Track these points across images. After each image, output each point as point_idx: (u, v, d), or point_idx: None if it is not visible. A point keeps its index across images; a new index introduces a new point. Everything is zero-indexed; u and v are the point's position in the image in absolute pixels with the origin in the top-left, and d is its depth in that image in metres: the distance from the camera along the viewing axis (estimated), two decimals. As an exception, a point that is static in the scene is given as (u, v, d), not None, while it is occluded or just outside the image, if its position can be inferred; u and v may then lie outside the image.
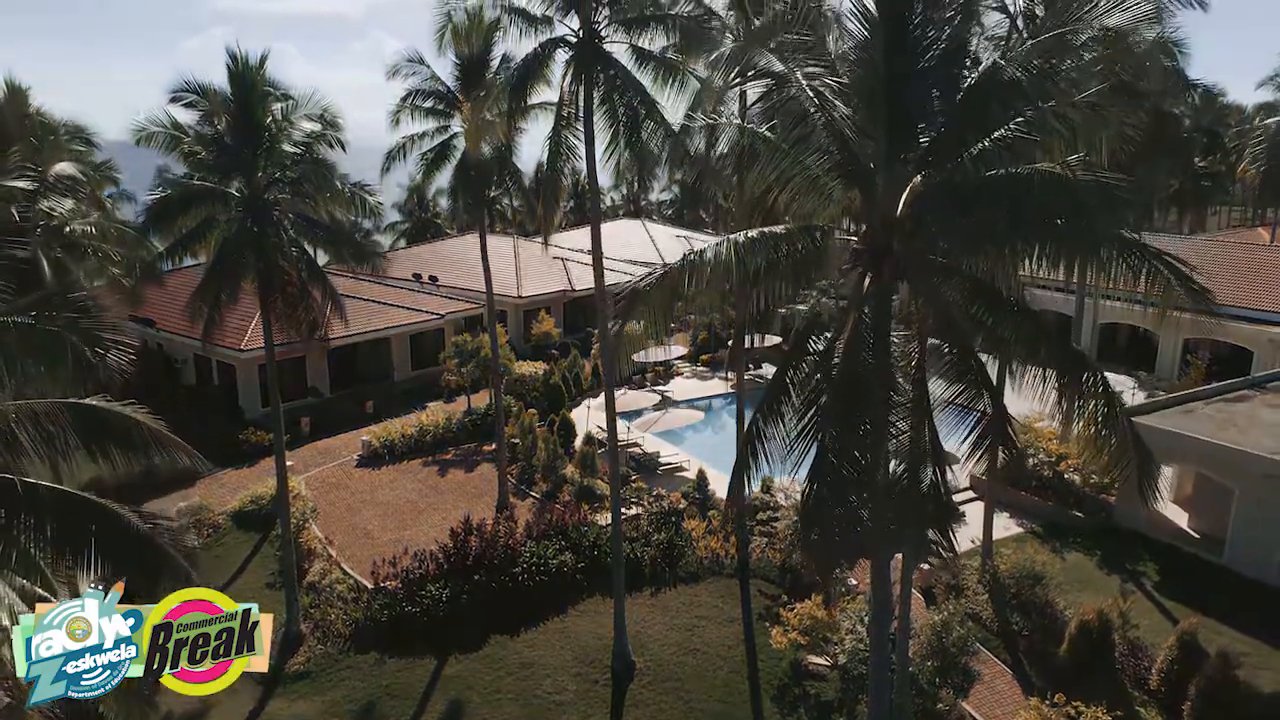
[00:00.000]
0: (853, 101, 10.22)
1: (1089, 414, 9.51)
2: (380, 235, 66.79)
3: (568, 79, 17.99)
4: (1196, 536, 25.34)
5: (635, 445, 31.13)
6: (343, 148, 20.81)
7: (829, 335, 10.64)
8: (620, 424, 31.42)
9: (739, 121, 11.08)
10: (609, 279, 20.87)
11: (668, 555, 24.62)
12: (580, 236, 47.13)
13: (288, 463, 24.64)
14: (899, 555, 16.55)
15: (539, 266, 46.73)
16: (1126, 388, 34.65)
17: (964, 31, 10.20)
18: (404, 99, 24.39)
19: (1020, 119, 9.67)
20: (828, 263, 10.28)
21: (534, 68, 17.53)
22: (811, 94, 9.82)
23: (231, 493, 29.53)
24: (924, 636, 20.06)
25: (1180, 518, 26.58)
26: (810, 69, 10.10)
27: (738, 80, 10.25)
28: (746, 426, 11.74)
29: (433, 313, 39.99)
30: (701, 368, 41.81)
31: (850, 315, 9.97)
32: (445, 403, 37.28)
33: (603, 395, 22.86)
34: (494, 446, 30.31)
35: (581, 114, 18.46)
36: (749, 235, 9.95)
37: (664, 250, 49.33)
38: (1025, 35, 9.79)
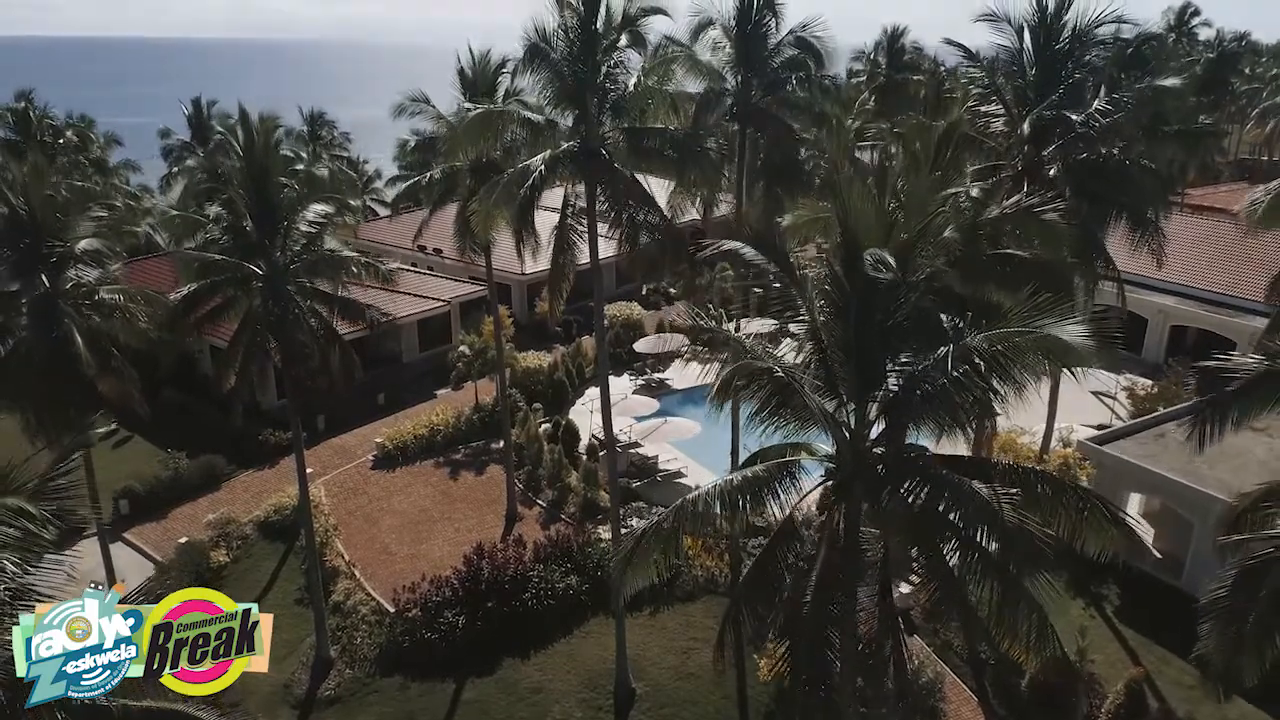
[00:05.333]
0: (826, 346, 11.46)
1: (1023, 631, 11.09)
2: (383, 183, 66.94)
3: (570, 182, 18.86)
4: (1159, 557, 27.14)
5: (636, 446, 32.68)
6: (354, 215, 21.67)
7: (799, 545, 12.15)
8: (622, 422, 32.96)
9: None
10: (606, 252, 21.83)
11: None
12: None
13: (307, 469, 25.47)
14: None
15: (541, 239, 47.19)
16: (1109, 384, 35.98)
17: (926, 302, 11.31)
18: (414, 145, 25.36)
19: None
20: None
21: (539, 185, 18.36)
22: (789, 379, 11.03)
23: (255, 497, 31.30)
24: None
25: (1147, 534, 28.30)
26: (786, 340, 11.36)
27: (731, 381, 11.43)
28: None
29: (440, 299, 41.06)
30: (701, 348, 42.86)
31: (824, 529, 11.40)
32: (454, 389, 38.70)
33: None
34: (502, 445, 31.91)
35: (586, 206, 19.41)
36: (732, 482, 11.36)
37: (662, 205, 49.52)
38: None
